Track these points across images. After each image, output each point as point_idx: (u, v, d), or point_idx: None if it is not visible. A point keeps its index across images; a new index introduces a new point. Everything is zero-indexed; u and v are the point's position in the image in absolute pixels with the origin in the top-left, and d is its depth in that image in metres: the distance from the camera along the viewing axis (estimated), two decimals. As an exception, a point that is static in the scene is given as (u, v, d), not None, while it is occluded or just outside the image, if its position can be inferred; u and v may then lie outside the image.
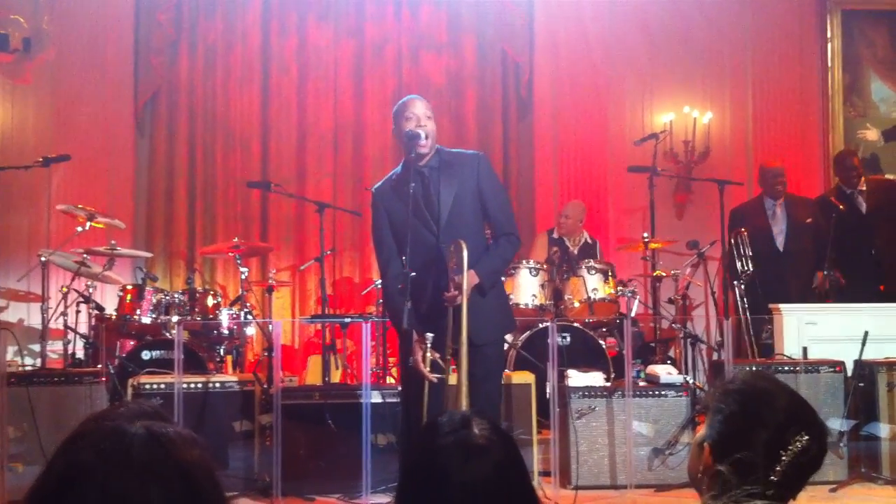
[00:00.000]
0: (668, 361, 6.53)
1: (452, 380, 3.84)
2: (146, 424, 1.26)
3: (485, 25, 8.66)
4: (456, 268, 3.82)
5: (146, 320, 6.35)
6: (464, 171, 4.02)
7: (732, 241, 6.87)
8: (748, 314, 6.55)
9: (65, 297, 6.31)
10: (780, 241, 7.21)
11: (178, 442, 1.25)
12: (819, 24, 8.65)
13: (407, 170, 4.00)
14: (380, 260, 4.21)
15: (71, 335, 6.41)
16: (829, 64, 8.62)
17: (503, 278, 6.51)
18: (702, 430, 1.94)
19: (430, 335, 3.75)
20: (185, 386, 5.23)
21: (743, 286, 6.72)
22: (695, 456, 1.95)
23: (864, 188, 7.39)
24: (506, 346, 6.44)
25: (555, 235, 7.53)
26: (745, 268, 6.71)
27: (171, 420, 1.31)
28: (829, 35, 8.62)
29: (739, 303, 6.63)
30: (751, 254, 6.75)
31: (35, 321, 7.03)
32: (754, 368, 5.46)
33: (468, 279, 3.80)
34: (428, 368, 3.77)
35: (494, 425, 1.60)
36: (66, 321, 6.32)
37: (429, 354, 3.76)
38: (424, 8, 8.65)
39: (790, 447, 1.81)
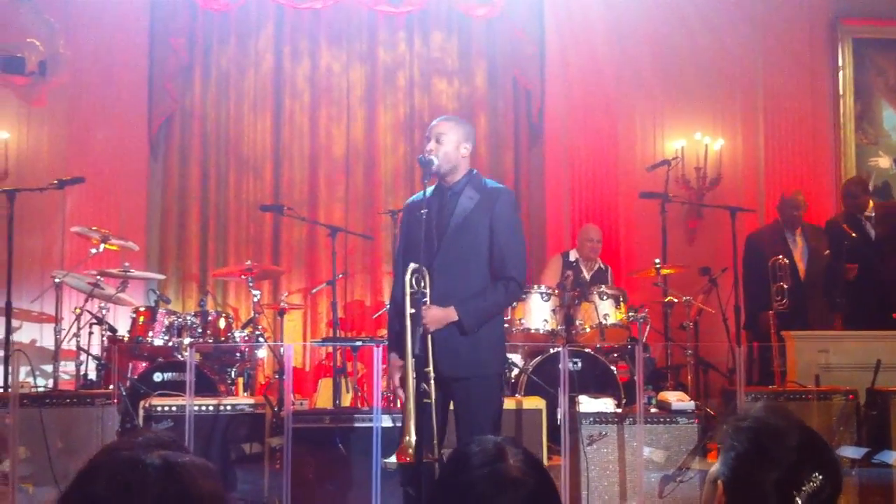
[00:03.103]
0: (680, 388, 6.49)
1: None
2: (162, 455, 1.27)
3: (496, 52, 8.72)
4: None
5: (158, 342, 6.38)
6: (483, 202, 3.88)
7: (770, 267, 6.75)
8: (776, 341, 6.43)
9: (78, 318, 6.33)
10: (801, 270, 7.17)
11: (194, 472, 1.26)
12: (830, 53, 8.67)
13: (436, 189, 3.96)
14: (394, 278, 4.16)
15: (83, 356, 6.43)
16: (841, 92, 8.63)
17: (513, 303, 6.55)
18: (715, 466, 1.93)
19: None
20: (196, 408, 5.23)
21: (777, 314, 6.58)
22: (709, 492, 1.93)
23: (873, 213, 7.34)
24: (516, 371, 6.45)
25: (571, 259, 7.51)
26: (782, 298, 6.61)
27: (187, 449, 1.32)
28: (840, 63, 8.64)
29: (773, 329, 6.48)
30: (786, 285, 6.63)
31: (48, 342, 7.05)
32: (766, 399, 5.42)
33: (447, 314, 3.74)
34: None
35: (528, 456, 1.56)
36: (78, 342, 6.34)
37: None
38: (436, 34, 8.71)
39: (804, 488, 1.80)
